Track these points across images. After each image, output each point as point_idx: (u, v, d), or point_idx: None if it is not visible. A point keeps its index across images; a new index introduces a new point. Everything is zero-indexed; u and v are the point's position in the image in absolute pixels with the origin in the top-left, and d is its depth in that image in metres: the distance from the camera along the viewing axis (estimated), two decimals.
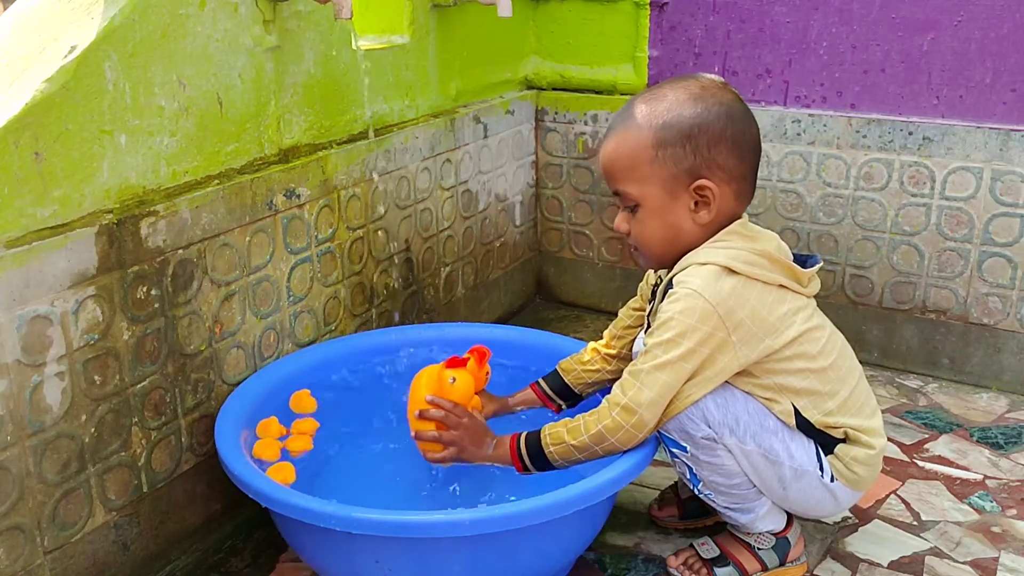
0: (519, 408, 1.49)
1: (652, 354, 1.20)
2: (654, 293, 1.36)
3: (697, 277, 1.20)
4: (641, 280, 1.46)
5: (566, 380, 1.47)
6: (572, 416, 1.27)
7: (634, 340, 1.43)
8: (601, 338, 1.49)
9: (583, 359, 1.47)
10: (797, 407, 1.25)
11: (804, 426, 1.26)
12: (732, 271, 1.20)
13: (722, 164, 1.23)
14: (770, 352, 1.22)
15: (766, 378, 1.24)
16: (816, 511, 1.34)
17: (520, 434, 1.29)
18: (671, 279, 1.24)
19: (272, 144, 1.49)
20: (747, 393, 1.25)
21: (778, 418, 1.25)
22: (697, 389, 1.21)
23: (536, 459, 1.26)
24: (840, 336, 1.31)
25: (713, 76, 1.28)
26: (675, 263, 1.26)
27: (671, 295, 1.21)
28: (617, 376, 1.46)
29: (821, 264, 1.29)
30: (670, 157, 1.22)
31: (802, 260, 1.28)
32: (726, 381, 1.23)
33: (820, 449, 1.28)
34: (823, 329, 1.28)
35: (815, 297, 1.30)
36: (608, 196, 2.20)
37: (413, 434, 1.31)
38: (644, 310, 1.43)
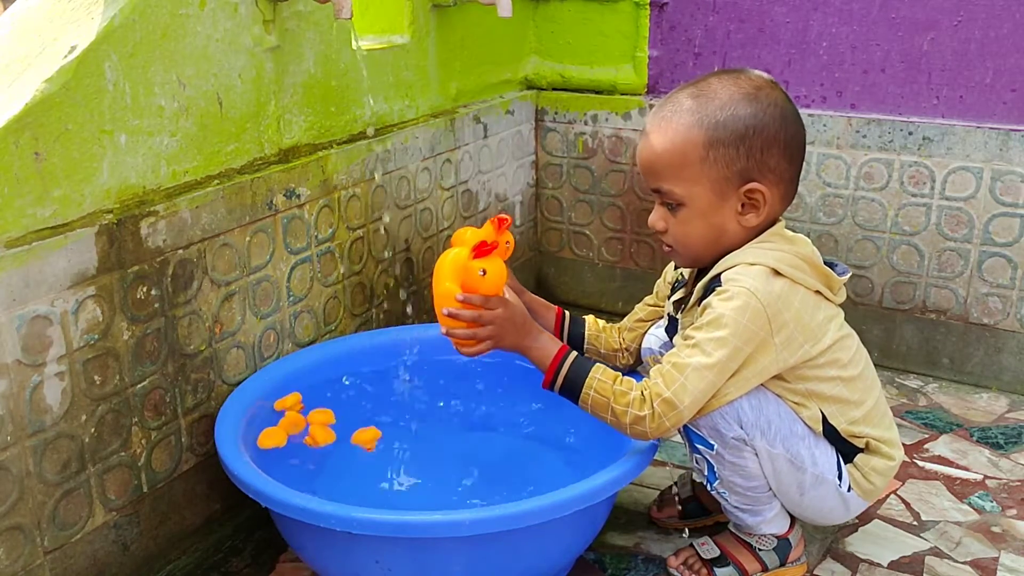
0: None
1: (701, 349, 1.17)
2: (673, 289, 1.36)
3: (749, 277, 1.17)
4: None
5: (586, 334, 1.44)
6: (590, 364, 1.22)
7: (643, 335, 1.43)
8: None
9: (611, 335, 1.45)
10: (825, 413, 1.24)
11: (830, 433, 1.25)
12: (779, 273, 1.19)
13: (773, 167, 1.20)
14: (807, 359, 1.21)
15: (798, 383, 1.23)
16: (827, 518, 1.34)
17: (571, 352, 1.23)
18: (716, 276, 1.21)
19: (272, 144, 1.49)
20: (778, 396, 1.24)
21: (806, 424, 1.24)
22: (735, 388, 1.20)
23: (569, 386, 1.21)
24: (864, 347, 1.31)
25: (761, 73, 1.24)
26: (711, 263, 1.24)
27: (721, 292, 1.18)
28: (623, 368, 1.45)
29: (851, 274, 1.27)
30: (722, 158, 1.19)
31: (830, 266, 1.26)
32: (760, 384, 1.22)
33: (840, 458, 1.28)
34: (853, 338, 1.28)
35: None
36: (608, 196, 2.20)
37: (444, 331, 1.23)
38: (659, 306, 1.42)
